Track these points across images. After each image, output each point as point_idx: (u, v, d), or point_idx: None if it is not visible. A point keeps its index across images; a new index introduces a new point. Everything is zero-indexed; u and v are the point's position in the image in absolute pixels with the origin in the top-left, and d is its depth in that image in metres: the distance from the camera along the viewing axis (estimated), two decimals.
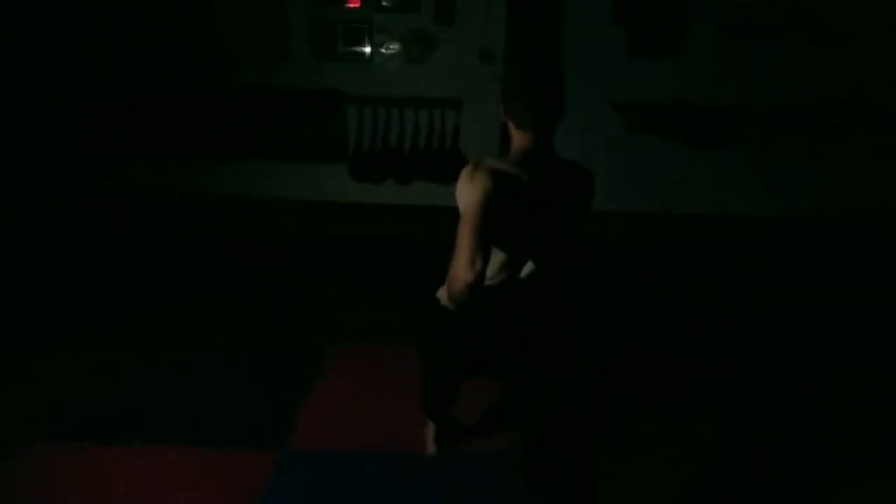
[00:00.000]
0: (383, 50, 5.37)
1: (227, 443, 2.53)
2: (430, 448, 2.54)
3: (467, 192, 1.87)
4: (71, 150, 5.39)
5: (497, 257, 1.96)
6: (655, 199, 5.58)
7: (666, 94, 5.37)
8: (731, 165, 5.50)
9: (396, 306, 3.74)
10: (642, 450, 2.55)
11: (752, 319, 3.72)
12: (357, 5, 5.26)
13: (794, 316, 3.76)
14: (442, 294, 2.05)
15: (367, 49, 5.36)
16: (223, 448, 2.50)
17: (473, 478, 2.39)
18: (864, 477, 2.43)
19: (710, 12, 5.20)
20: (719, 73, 5.32)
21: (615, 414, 2.76)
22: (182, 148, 5.48)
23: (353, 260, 4.56)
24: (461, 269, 1.80)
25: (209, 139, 5.46)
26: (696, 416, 2.76)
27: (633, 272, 4.43)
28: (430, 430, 2.57)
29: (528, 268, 2.07)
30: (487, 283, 1.92)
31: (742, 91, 5.34)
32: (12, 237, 4.48)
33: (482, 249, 1.81)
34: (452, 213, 1.91)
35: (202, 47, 5.31)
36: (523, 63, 2.11)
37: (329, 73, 5.40)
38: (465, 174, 1.91)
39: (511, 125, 2.02)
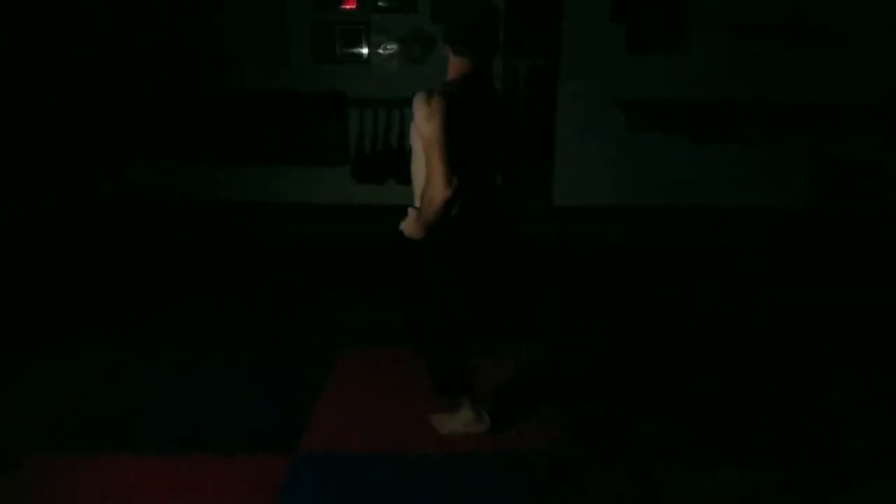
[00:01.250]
0: (381, 51, 5.37)
1: (238, 447, 2.53)
2: (479, 424, 2.55)
3: (429, 117, 2.10)
4: (73, 151, 5.41)
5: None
6: (657, 196, 5.57)
7: (667, 90, 5.36)
8: (732, 162, 5.48)
9: (401, 308, 3.73)
10: (643, 451, 2.54)
11: (753, 319, 3.70)
12: (353, 6, 5.26)
13: (795, 315, 3.73)
14: (410, 228, 2.27)
15: (365, 50, 5.36)
16: (235, 452, 2.49)
17: (486, 478, 2.39)
18: (864, 477, 2.42)
19: (711, 9, 5.18)
20: (720, 69, 5.30)
21: (615, 415, 2.76)
22: (183, 151, 5.50)
23: (356, 262, 4.56)
24: (439, 187, 2.09)
25: (211, 142, 5.48)
26: (695, 418, 2.75)
27: (633, 271, 4.42)
28: (465, 410, 2.55)
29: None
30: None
31: (743, 87, 5.32)
32: (14, 238, 4.50)
33: (451, 166, 2.09)
34: None
35: (204, 50, 5.33)
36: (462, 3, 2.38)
37: (330, 75, 5.41)
38: (421, 102, 2.13)
39: (451, 54, 2.28)
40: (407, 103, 5.57)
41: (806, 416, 2.78)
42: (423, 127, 2.12)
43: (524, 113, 5.56)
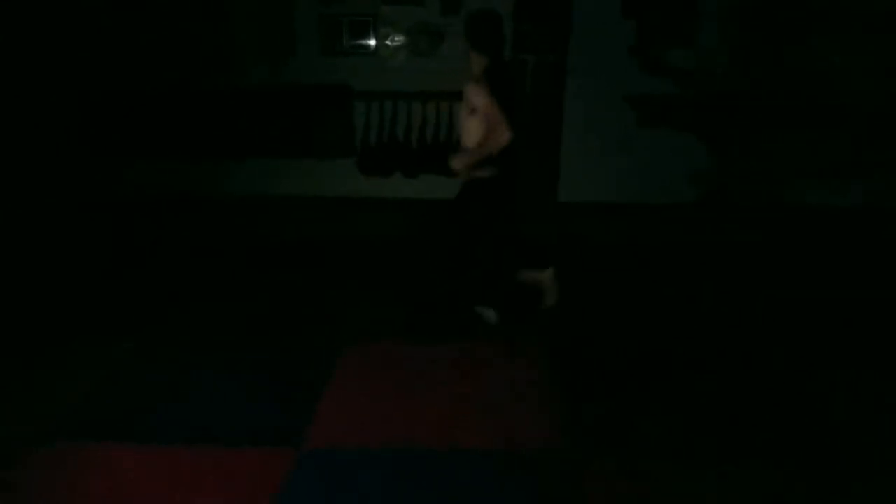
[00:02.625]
0: (389, 43, 5.35)
1: (243, 442, 2.54)
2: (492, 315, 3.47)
3: (481, 93, 3.08)
4: (77, 149, 5.42)
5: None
6: (663, 192, 5.54)
7: (676, 86, 5.32)
8: (738, 158, 5.45)
9: (407, 305, 3.74)
10: (643, 450, 2.53)
11: (754, 318, 3.68)
12: None
13: (796, 315, 3.71)
14: (459, 163, 3.26)
15: (373, 42, 5.34)
16: (240, 447, 2.51)
17: (487, 476, 2.39)
18: (864, 477, 2.41)
19: (722, 5, 5.14)
20: (729, 66, 5.26)
21: (615, 414, 2.75)
22: (190, 145, 5.49)
23: (362, 257, 4.55)
24: (502, 134, 3.06)
25: (217, 137, 5.47)
26: (695, 421, 2.74)
27: (636, 268, 4.40)
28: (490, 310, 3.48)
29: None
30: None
31: (752, 84, 5.27)
32: (15, 237, 4.51)
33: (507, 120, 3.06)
34: None
35: (210, 44, 5.32)
36: (477, 15, 3.27)
37: (336, 68, 5.40)
38: (474, 86, 3.12)
39: (474, 53, 3.21)
40: (413, 96, 5.61)
41: (806, 416, 2.77)
42: (477, 100, 3.10)
43: (532, 107, 5.53)
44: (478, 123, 3.15)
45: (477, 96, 3.09)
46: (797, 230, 5.20)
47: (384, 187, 5.59)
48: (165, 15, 5.24)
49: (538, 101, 5.51)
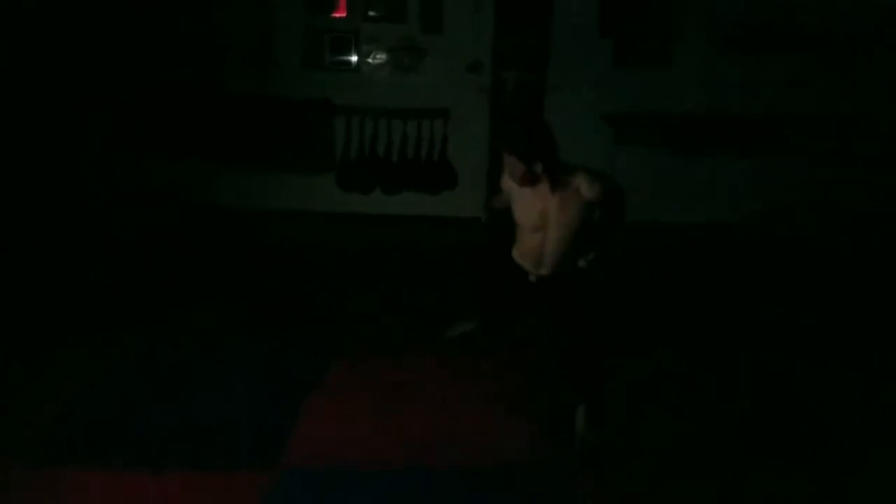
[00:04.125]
0: (370, 59, 5.36)
1: (220, 461, 2.48)
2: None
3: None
4: (56, 153, 5.30)
5: None
6: (640, 210, 5.57)
7: (653, 104, 5.40)
8: (717, 175, 5.53)
9: (389, 318, 3.71)
10: (634, 461, 2.53)
11: (735, 328, 3.72)
12: (344, 14, 5.26)
13: (777, 332, 3.76)
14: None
15: (355, 58, 5.35)
16: (217, 467, 2.44)
17: (475, 492, 2.36)
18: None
19: (699, 24, 5.24)
20: (707, 83, 5.35)
21: (615, 417, 2.75)
22: (170, 154, 5.42)
23: (341, 271, 4.52)
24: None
25: (196, 147, 5.41)
26: (681, 430, 2.75)
27: (614, 281, 4.42)
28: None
29: None
30: None
31: (730, 101, 5.37)
32: None
33: None
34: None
35: (191, 55, 5.28)
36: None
37: (318, 82, 5.39)
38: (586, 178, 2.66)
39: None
40: (395, 113, 5.60)
41: (804, 417, 2.80)
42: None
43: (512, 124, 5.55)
44: None
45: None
46: (779, 246, 5.28)
47: (364, 203, 5.56)
48: (149, 20, 5.19)
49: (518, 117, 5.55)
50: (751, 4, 5.16)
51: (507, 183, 2.72)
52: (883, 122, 5.23)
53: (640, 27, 5.30)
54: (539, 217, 2.65)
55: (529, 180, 2.59)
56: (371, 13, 5.24)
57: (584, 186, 2.59)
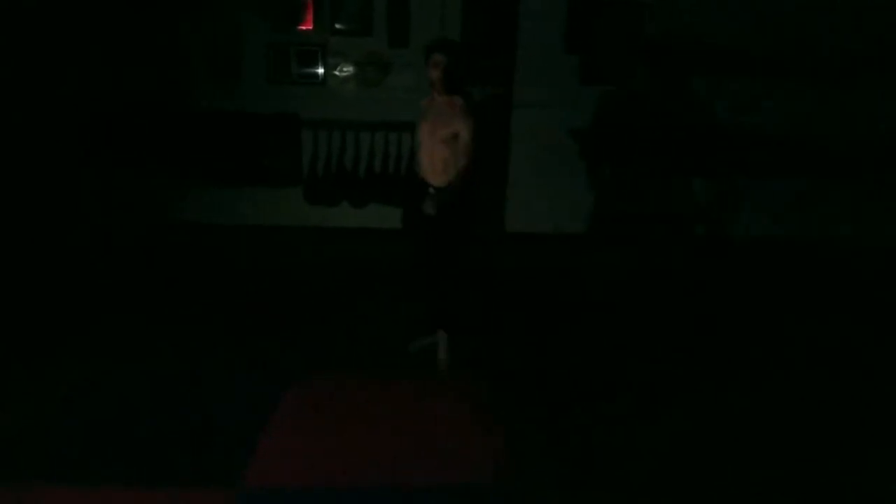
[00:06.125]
0: (337, 73, 5.34)
1: (176, 482, 2.39)
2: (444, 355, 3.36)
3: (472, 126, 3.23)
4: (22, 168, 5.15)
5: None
6: (609, 225, 5.65)
7: (619, 120, 5.47)
8: (684, 192, 5.63)
9: (357, 332, 3.67)
10: (596, 477, 2.53)
11: (701, 342, 3.76)
12: (310, 28, 5.23)
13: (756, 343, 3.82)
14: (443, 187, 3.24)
15: (321, 72, 5.32)
16: (178, 484, 2.36)
17: None
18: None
19: (664, 42, 5.35)
20: (672, 100, 5.45)
21: (564, 444, 2.74)
22: (134, 170, 5.31)
23: (308, 285, 4.47)
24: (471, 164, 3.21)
25: (162, 162, 5.31)
26: (639, 445, 2.76)
27: (578, 296, 4.45)
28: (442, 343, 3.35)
29: None
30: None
31: (696, 117, 5.48)
32: None
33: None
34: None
35: (156, 69, 5.20)
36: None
37: (284, 96, 5.34)
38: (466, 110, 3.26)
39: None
40: (362, 126, 5.58)
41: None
42: (467, 128, 3.23)
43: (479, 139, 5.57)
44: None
45: (468, 123, 3.29)
46: (744, 261, 5.38)
47: (332, 216, 5.52)
48: (114, 34, 5.10)
49: (484, 133, 5.56)
50: (717, 27, 5.29)
51: (425, 103, 3.36)
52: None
53: (606, 44, 5.38)
54: (428, 127, 3.24)
55: (441, 87, 3.22)
56: (338, 26, 5.23)
57: (458, 120, 3.18)
